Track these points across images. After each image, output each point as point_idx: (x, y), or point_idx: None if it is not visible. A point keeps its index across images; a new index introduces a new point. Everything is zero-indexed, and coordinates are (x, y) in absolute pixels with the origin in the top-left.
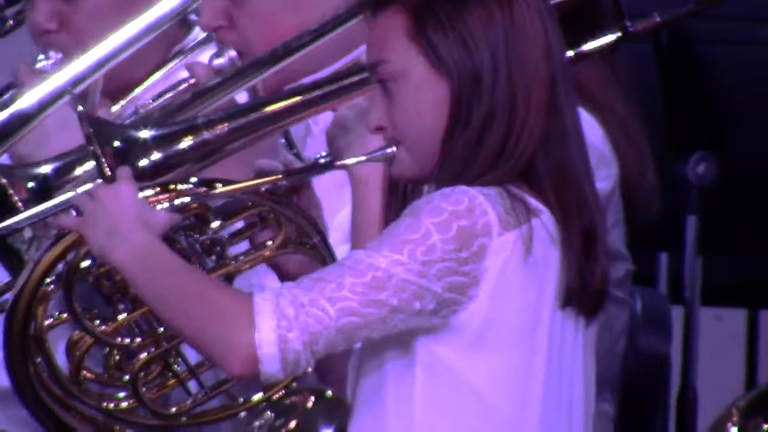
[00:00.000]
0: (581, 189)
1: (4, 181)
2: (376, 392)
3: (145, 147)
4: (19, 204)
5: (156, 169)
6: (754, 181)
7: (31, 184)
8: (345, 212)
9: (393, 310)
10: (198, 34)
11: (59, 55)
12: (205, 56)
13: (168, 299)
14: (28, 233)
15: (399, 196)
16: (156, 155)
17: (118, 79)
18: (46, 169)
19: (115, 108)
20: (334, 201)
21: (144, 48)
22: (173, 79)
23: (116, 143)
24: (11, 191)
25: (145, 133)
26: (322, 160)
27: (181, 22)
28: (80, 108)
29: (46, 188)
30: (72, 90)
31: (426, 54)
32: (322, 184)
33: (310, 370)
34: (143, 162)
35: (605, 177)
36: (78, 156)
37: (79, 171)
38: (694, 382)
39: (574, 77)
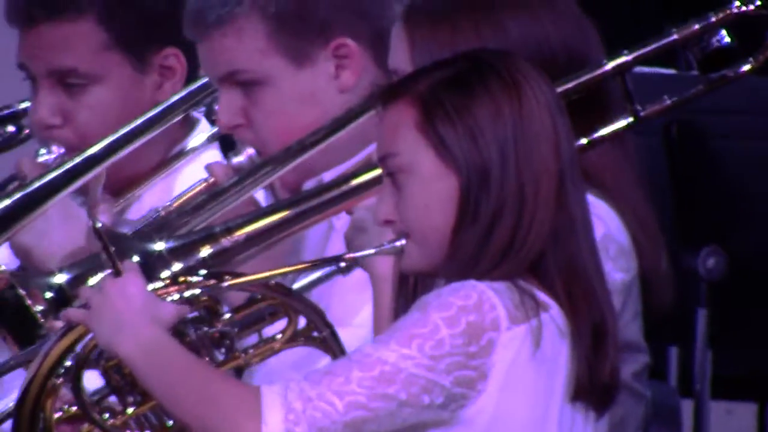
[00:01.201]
0: (591, 282)
1: (22, 292)
2: None
3: (163, 259)
4: (38, 314)
5: (166, 277)
6: (764, 275)
7: (48, 294)
8: (368, 310)
9: (401, 404)
10: (200, 130)
11: (61, 149)
12: (208, 155)
13: (175, 392)
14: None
15: (409, 290)
16: (176, 266)
17: (120, 175)
18: (62, 278)
19: (116, 205)
20: (358, 299)
21: (145, 145)
22: (176, 177)
23: (135, 257)
24: (29, 302)
25: (161, 246)
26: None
27: (183, 120)
28: (98, 224)
29: (62, 297)
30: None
31: (434, 146)
32: (347, 284)
33: None
34: (164, 274)
35: (626, 268)
36: (94, 264)
37: (94, 280)
38: None
39: (587, 165)
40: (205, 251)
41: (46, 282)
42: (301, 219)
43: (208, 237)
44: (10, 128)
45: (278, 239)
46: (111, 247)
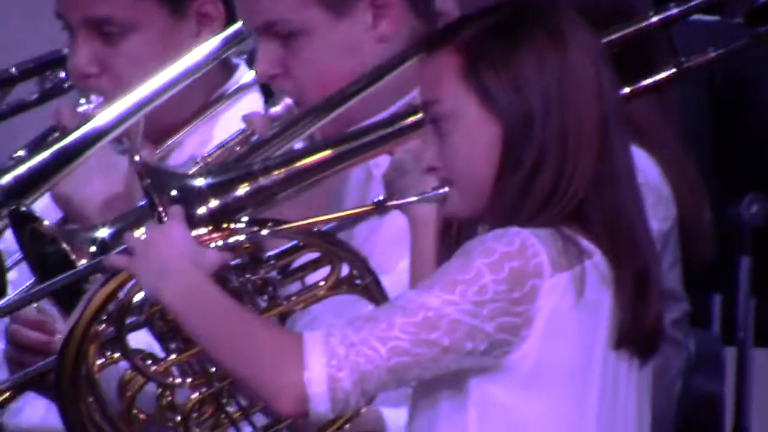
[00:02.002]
0: (634, 230)
1: (66, 246)
2: (429, 431)
3: (202, 195)
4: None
5: (213, 217)
6: None
7: (92, 248)
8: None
9: (444, 350)
10: (240, 77)
11: (100, 99)
12: (248, 100)
13: (218, 339)
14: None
15: (452, 236)
16: (213, 203)
17: (160, 122)
18: (105, 232)
19: (158, 150)
20: (399, 247)
21: (185, 91)
22: (216, 124)
23: (173, 192)
24: (74, 256)
25: (200, 181)
26: (374, 202)
27: (222, 65)
28: (137, 158)
29: (106, 252)
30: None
31: (478, 94)
32: (387, 232)
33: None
34: (201, 210)
35: (663, 217)
36: (136, 217)
37: (138, 233)
38: (747, 423)
39: (629, 116)
40: (243, 189)
41: (90, 236)
42: (341, 160)
43: (247, 175)
44: (61, 74)
45: (318, 180)
46: (151, 187)
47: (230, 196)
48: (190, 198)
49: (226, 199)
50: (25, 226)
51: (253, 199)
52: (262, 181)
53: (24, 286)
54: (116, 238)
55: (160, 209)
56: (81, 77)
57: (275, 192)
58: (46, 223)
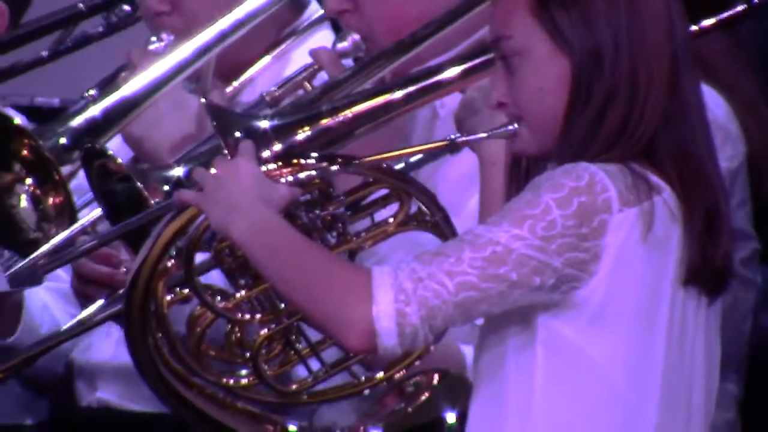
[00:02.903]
0: (704, 167)
1: (139, 184)
2: (496, 368)
3: (268, 137)
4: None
5: (279, 159)
6: None
7: (166, 187)
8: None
9: (512, 285)
10: (310, 15)
11: (171, 37)
12: (318, 37)
13: (286, 274)
14: None
15: (521, 173)
16: (278, 145)
17: (230, 61)
18: (179, 171)
19: (228, 89)
20: (468, 186)
21: (255, 29)
22: (287, 61)
23: (237, 134)
24: (147, 194)
25: (266, 123)
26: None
27: (292, 3)
28: (204, 99)
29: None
30: (189, 66)
31: (548, 30)
32: (455, 172)
33: (432, 349)
34: (266, 152)
35: (731, 155)
36: (211, 156)
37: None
38: None
39: (698, 53)
40: (310, 130)
41: (163, 175)
42: (409, 100)
43: (315, 116)
44: (126, 7)
45: (385, 120)
46: (217, 128)
47: (296, 136)
48: (257, 139)
49: (292, 141)
50: (96, 162)
51: (320, 140)
52: (329, 122)
53: (88, 219)
54: (190, 177)
55: (225, 152)
56: (153, 15)
57: (342, 133)
58: (119, 160)
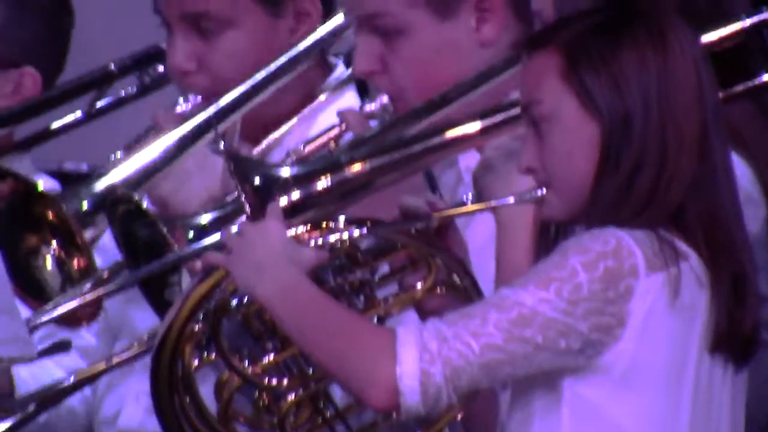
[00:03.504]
0: (731, 233)
1: (165, 230)
2: (523, 430)
3: (286, 185)
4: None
5: (296, 207)
6: None
7: (191, 234)
8: None
9: (537, 348)
10: (338, 76)
11: (198, 98)
12: (345, 99)
13: (312, 334)
14: (184, 279)
15: (550, 238)
16: (296, 193)
17: (258, 121)
18: (205, 218)
19: (255, 150)
20: (491, 247)
21: (282, 90)
22: (315, 121)
23: (257, 180)
24: (172, 241)
25: (285, 171)
26: (469, 201)
27: (320, 63)
28: (222, 145)
29: (203, 237)
30: (214, 126)
31: (578, 95)
32: (482, 233)
33: (459, 418)
34: (283, 199)
35: (752, 218)
36: (237, 206)
37: (238, 221)
38: None
39: (724, 118)
40: (328, 180)
41: (189, 222)
42: (428, 153)
43: (333, 165)
44: (160, 68)
45: (405, 173)
46: (235, 174)
47: (315, 186)
48: (274, 186)
49: (309, 190)
50: (120, 207)
51: (337, 191)
52: (347, 172)
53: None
54: (215, 225)
55: (243, 197)
56: (179, 74)
57: (360, 184)
58: (144, 204)
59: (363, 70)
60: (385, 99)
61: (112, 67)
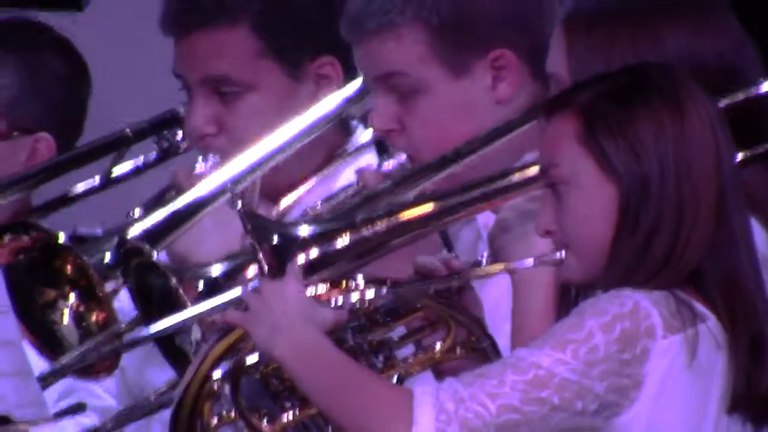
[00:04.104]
0: (750, 296)
1: (175, 282)
2: None
3: (303, 244)
4: (189, 304)
5: (314, 267)
6: None
7: (201, 285)
8: None
9: (554, 409)
10: (358, 138)
11: (216, 158)
12: (364, 160)
13: (329, 393)
14: (196, 334)
15: (570, 299)
16: (314, 252)
17: (277, 182)
18: (216, 270)
19: (274, 211)
20: (507, 307)
21: (302, 151)
22: (334, 182)
23: (274, 239)
24: (182, 292)
25: (303, 230)
26: (486, 262)
27: (340, 126)
28: (240, 205)
29: (216, 290)
30: (231, 189)
31: (596, 158)
32: (497, 293)
33: None
34: (301, 258)
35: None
36: (247, 258)
37: (248, 272)
38: None
39: (741, 180)
40: (345, 239)
41: (200, 272)
42: (444, 213)
43: (350, 225)
44: (179, 133)
45: (421, 234)
46: (252, 233)
47: (332, 246)
48: (292, 246)
49: (326, 249)
50: (133, 260)
51: (354, 251)
52: (364, 232)
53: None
54: (227, 276)
55: (260, 255)
56: (199, 137)
57: (377, 244)
58: (155, 256)
59: (380, 128)
60: (402, 158)
61: (128, 131)
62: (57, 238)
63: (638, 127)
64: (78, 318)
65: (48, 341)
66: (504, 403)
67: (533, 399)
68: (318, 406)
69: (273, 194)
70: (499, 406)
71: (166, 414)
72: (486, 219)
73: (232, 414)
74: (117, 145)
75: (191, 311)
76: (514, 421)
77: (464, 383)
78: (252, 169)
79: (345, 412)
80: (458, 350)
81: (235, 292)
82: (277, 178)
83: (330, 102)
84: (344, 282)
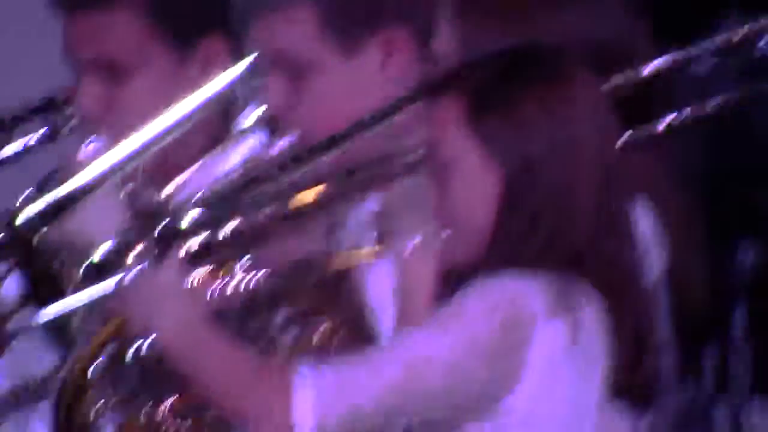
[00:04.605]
0: (632, 279)
1: (60, 266)
2: None
3: (191, 229)
4: (71, 290)
5: (202, 252)
6: None
7: (86, 270)
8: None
9: (436, 393)
10: (246, 116)
11: (103, 141)
12: (253, 139)
13: (209, 372)
14: (81, 320)
15: (451, 282)
16: (201, 237)
17: (166, 163)
18: (101, 254)
19: (161, 194)
20: (390, 289)
21: (191, 131)
22: (222, 165)
23: (161, 224)
24: (64, 276)
25: (189, 215)
26: (372, 245)
27: (227, 108)
28: (126, 189)
29: (100, 274)
30: (118, 172)
31: (479, 140)
32: (382, 277)
33: None
34: (188, 243)
35: (653, 265)
36: (130, 240)
37: (131, 254)
38: None
39: (626, 164)
40: (233, 224)
41: (85, 257)
42: (331, 199)
43: (236, 210)
44: (68, 112)
45: (310, 217)
46: (143, 225)
47: (220, 230)
48: (179, 231)
49: (215, 234)
50: (18, 243)
51: (243, 235)
52: (251, 216)
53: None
54: (112, 261)
55: (144, 240)
56: (87, 117)
57: (265, 228)
58: (36, 241)
59: (272, 108)
60: (292, 138)
61: (11, 115)
62: None
63: (523, 109)
64: None
65: None
66: (386, 385)
67: (415, 382)
68: (198, 389)
69: (160, 176)
70: (380, 388)
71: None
72: (372, 204)
73: (114, 401)
74: (6, 125)
75: (76, 297)
76: (396, 404)
77: (345, 367)
78: (138, 152)
79: (225, 392)
80: (340, 335)
81: (118, 278)
82: (162, 161)
83: (219, 82)
84: (226, 267)
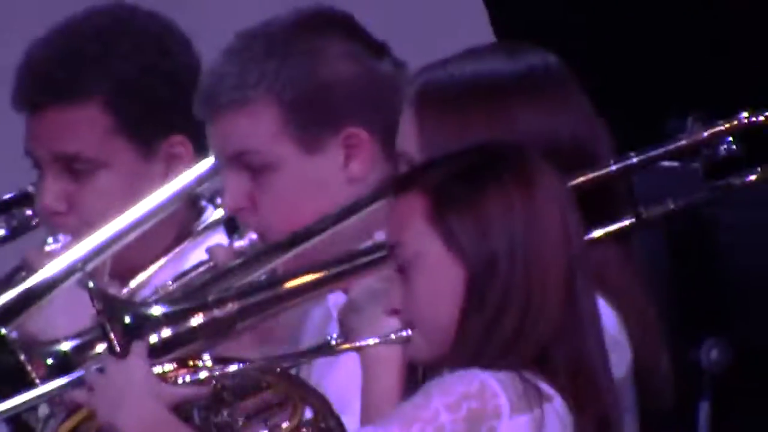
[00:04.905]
0: (597, 378)
1: (23, 357)
2: None
3: (156, 324)
4: (37, 381)
5: (166, 347)
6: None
7: (50, 361)
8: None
9: None
10: (208, 217)
11: (67, 237)
12: (214, 239)
13: None
14: (44, 411)
15: (417, 378)
16: (166, 332)
17: (128, 261)
18: (65, 346)
19: (125, 290)
20: (353, 384)
21: (153, 230)
22: (185, 261)
23: (126, 319)
24: (30, 368)
25: (156, 310)
26: (335, 341)
27: (190, 205)
28: (91, 284)
29: (65, 366)
30: (81, 268)
31: (442, 237)
32: (345, 371)
33: None
34: (153, 338)
35: (618, 363)
36: (97, 334)
37: (98, 348)
38: None
39: (590, 261)
40: (198, 320)
41: (50, 350)
42: (295, 294)
43: (202, 306)
44: (28, 211)
45: (272, 313)
46: (104, 314)
47: (184, 326)
48: (144, 326)
49: (179, 329)
50: None
51: (207, 331)
52: (216, 312)
53: None
54: (77, 352)
55: (112, 335)
56: (49, 215)
57: (229, 324)
58: (2, 332)
59: (231, 207)
60: (254, 235)
61: None
62: None
63: (487, 207)
64: None
65: None
66: None
67: None
68: None
69: (123, 273)
70: None
71: None
72: (336, 298)
73: None
74: None
75: (40, 390)
76: None
77: None
78: (102, 247)
79: None
80: (304, 430)
81: (81, 371)
82: (127, 257)
83: (181, 180)
84: (192, 360)
